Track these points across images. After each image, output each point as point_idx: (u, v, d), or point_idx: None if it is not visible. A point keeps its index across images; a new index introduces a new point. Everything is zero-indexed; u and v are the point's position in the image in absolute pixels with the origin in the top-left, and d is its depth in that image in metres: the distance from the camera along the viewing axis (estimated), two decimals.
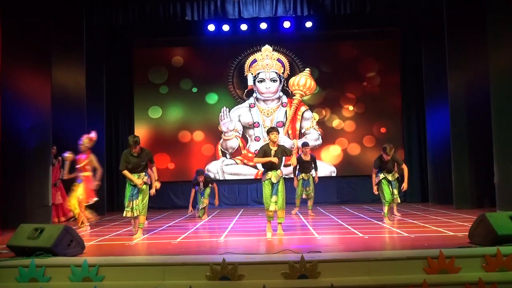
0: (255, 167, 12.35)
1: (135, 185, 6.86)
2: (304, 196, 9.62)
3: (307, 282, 4.45)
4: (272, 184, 6.63)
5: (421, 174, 12.03)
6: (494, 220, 5.13)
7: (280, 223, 6.78)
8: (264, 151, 6.71)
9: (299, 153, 9.61)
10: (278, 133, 6.81)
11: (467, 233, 5.63)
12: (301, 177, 9.56)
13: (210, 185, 9.56)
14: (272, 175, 6.66)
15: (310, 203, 9.72)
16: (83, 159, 8.09)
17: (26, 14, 8.54)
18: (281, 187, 6.66)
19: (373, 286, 4.37)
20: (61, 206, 9.56)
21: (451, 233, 6.39)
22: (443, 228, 6.87)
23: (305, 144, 9.58)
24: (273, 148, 6.69)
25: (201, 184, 9.41)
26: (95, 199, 8.25)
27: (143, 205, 6.91)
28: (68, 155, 8.26)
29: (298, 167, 9.47)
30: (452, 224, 7.34)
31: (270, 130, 6.76)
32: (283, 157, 6.82)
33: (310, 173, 9.59)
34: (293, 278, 4.50)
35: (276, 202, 6.56)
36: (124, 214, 6.90)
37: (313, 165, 9.59)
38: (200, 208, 9.49)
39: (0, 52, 7.79)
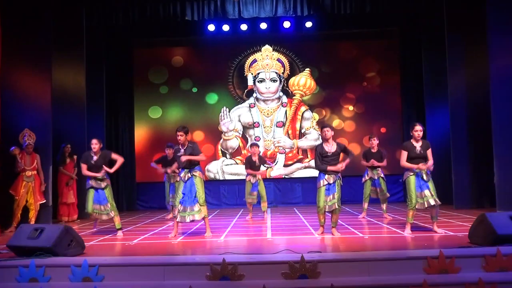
0: None
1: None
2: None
3: (307, 282, 4.45)
4: (252, 184, 9.02)
5: None
6: (494, 220, 5.13)
7: (264, 211, 9.21)
8: (249, 162, 9.06)
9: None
10: (258, 147, 9.15)
11: (467, 233, 5.63)
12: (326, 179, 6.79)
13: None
14: (252, 177, 9.04)
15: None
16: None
17: (26, 14, 8.55)
18: (261, 184, 9.09)
19: (373, 286, 4.37)
20: (73, 205, 9.63)
21: (451, 233, 6.39)
22: (443, 228, 6.86)
23: (325, 126, 6.68)
24: (255, 159, 8.96)
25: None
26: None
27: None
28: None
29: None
30: (452, 224, 7.34)
31: (251, 146, 9.21)
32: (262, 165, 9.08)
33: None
34: (293, 278, 4.50)
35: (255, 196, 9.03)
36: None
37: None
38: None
39: (0, 52, 7.79)
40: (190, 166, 6.84)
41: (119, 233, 7.29)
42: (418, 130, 6.52)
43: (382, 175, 8.62)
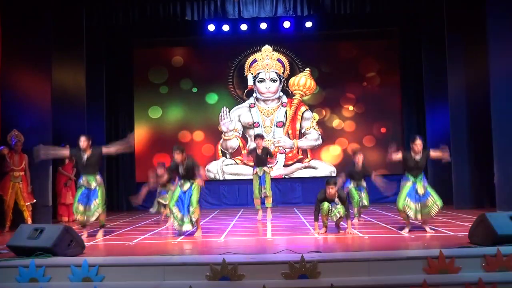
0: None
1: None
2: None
3: (307, 282, 4.45)
4: (259, 176, 8.61)
5: None
6: (494, 220, 5.13)
7: (268, 207, 8.69)
8: (252, 154, 8.78)
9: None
10: (263, 139, 8.81)
11: (467, 233, 5.63)
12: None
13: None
14: (258, 170, 8.67)
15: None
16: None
17: (26, 14, 8.55)
18: (267, 179, 8.63)
19: (373, 286, 4.37)
20: (72, 206, 9.57)
21: (451, 233, 6.39)
22: (443, 228, 6.87)
23: (329, 183, 6.68)
24: (259, 151, 8.61)
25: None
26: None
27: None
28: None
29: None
30: (452, 224, 7.34)
31: (256, 137, 8.75)
32: (267, 157, 8.68)
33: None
34: (293, 278, 4.50)
35: (262, 190, 8.58)
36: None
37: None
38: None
39: (0, 52, 7.79)
40: (190, 176, 6.83)
41: (99, 233, 6.93)
42: (418, 144, 6.63)
43: (365, 185, 8.24)
